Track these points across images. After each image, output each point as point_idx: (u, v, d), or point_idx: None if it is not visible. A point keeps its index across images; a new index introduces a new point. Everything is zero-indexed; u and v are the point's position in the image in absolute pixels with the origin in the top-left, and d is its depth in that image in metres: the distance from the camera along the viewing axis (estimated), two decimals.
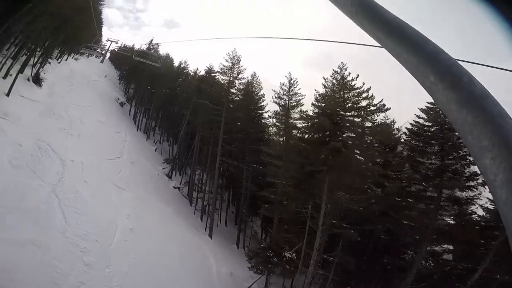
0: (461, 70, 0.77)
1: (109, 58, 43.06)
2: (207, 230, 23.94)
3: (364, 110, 15.86)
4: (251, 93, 26.40)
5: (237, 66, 26.61)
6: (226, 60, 27.06)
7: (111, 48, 35.99)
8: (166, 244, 18.62)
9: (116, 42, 34.46)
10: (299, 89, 20.60)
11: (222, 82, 27.09)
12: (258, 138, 25.71)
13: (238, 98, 26.44)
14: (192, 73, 35.27)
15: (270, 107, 26.52)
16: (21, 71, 23.63)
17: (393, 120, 15.62)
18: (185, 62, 39.29)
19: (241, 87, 26.63)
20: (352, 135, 12.79)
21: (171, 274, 16.78)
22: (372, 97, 15.90)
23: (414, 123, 15.04)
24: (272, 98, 21.32)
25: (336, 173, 11.80)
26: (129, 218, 18.36)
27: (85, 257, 14.09)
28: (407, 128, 15.35)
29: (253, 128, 25.90)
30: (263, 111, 26.41)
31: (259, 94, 26.62)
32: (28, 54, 23.94)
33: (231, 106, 25.27)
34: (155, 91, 34.48)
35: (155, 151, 32.18)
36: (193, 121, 29.98)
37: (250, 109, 25.93)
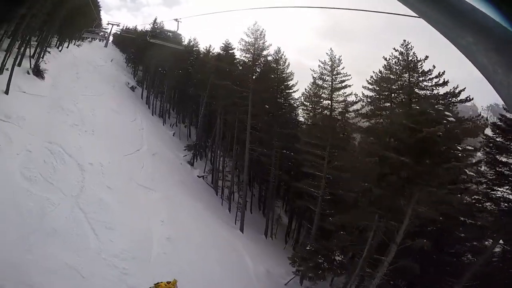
0: (508, 31, 0.66)
1: (112, 41, 40.54)
2: (237, 223, 22.03)
3: (443, 100, 12.41)
4: (277, 71, 22.55)
5: (261, 42, 22.48)
6: (248, 35, 22.86)
7: (113, 32, 32.85)
8: (203, 248, 16.60)
9: (118, 25, 32.05)
10: (342, 68, 16.95)
11: (245, 60, 23.18)
12: (286, 121, 22.55)
13: (263, 78, 22.70)
14: (204, 51, 31.36)
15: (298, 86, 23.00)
16: (18, 64, 19.88)
17: (481, 115, 12.17)
18: (194, 39, 35.07)
19: (266, 65, 22.75)
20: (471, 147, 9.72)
21: (212, 281, 15.05)
22: (447, 82, 12.32)
23: (501, 117, 11.75)
24: (313, 78, 17.71)
25: (433, 185, 9.05)
26: (164, 224, 16.15)
27: (128, 279, 12.06)
28: (493, 123, 12.09)
29: (281, 110, 22.64)
30: (291, 91, 22.86)
31: (286, 72, 22.79)
32: (23, 44, 20.01)
33: (251, 85, 21.58)
34: (167, 72, 30.57)
35: (173, 135, 29.34)
36: (212, 103, 26.65)
37: (277, 90, 22.37)
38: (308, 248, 15.65)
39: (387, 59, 13.95)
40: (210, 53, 29.53)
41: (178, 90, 31.97)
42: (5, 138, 14.88)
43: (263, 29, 22.91)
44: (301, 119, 23.83)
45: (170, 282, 8.31)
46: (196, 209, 20.03)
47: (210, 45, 31.27)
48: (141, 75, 35.77)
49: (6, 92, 17.40)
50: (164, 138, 26.77)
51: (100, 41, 34.29)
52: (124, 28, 35.37)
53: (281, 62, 23.19)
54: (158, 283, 8.56)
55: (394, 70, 13.84)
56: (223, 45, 28.17)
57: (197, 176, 24.93)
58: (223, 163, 25.34)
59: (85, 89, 23.49)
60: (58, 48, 28.34)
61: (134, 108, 27.27)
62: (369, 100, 14.88)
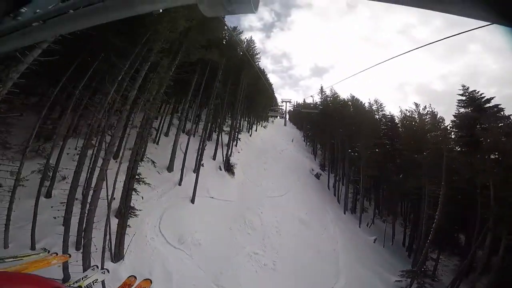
0: None
1: (288, 119, 39.80)
2: None
3: None
4: None
5: None
6: None
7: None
8: None
9: (290, 101, 30.67)
10: None
11: None
12: None
13: None
14: (402, 116, 20.93)
15: None
16: (213, 157, 17.71)
17: None
18: (376, 101, 25.76)
19: None
20: None
21: None
22: None
23: None
24: None
25: None
26: None
27: None
28: None
29: None
30: None
31: None
32: (216, 133, 18.20)
33: None
34: (360, 152, 21.63)
35: (374, 242, 18.25)
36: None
37: None
38: None
39: None
40: (437, 118, 17.42)
41: (375, 175, 21.61)
42: (167, 275, 10.16)
43: None
44: None
45: None
46: None
47: (417, 104, 19.89)
48: (319, 153, 29.68)
49: (192, 200, 14.39)
50: (364, 253, 16.39)
51: (279, 118, 33.44)
52: (295, 104, 33.93)
53: None
54: None
55: None
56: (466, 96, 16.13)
57: None
58: None
59: (271, 186, 18.54)
60: (248, 132, 27.21)
61: (323, 208, 19.26)
62: None
